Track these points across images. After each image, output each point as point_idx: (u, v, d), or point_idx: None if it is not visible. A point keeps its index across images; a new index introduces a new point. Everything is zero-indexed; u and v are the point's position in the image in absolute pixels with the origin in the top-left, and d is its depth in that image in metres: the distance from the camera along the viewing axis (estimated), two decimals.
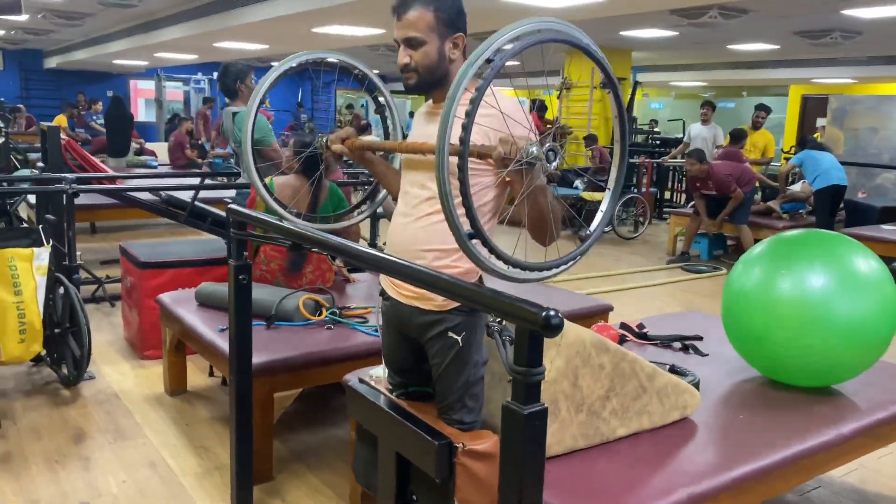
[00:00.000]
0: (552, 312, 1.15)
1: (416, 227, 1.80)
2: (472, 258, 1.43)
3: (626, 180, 8.82)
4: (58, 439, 3.03)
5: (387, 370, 2.03)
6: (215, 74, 17.12)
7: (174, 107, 17.49)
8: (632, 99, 12.42)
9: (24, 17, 9.98)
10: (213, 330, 3.01)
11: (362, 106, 19.91)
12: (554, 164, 1.43)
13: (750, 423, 2.23)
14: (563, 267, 1.52)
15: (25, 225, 5.29)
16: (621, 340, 2.98)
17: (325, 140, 2.02)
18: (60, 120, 11.24)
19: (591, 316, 3.60)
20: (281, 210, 2.13)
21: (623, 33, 9.31)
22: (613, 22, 7.81)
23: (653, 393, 2.09)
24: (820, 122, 15.07)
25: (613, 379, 1.99)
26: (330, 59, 2.09)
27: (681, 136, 11.70)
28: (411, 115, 17.32)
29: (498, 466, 1.81)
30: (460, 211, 1.38)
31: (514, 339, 1.22)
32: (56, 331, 3.51)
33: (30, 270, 3.24)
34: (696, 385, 2.42)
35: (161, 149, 12.18)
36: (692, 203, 7.47)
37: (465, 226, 1.41)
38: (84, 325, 3.40)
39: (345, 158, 2.10)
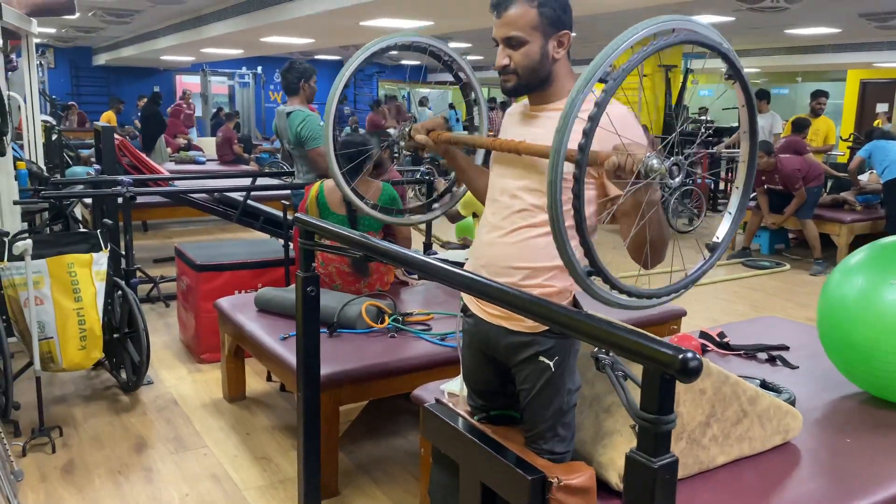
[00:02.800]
0: (690, 355, 1.01)
1: (505, 241, 1.66)
2: (590, 294, 1.28)
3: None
4: (120, 449, 2.98)
5: (466, 390, 1.91)
6: (259, 69, 17.26)
7: (219, 101, 17.61)
8: (682, 87, 12.08)
9: (75, 15, 10.09)
10: (273, 338, 2.92)
11: (404, 97, 19.83)
12: (677, 179, 1.28)
13: (859, 449, 2.05)
14: (682, 291, 1.38)
15: (82, 227, 5.30)
16: (703, 351, 2.82)
17: (407, 130, 1.89)
18: (109, 116, 11.37)
19: (664, 322, 3.43)
20: (361, 203, 2.00)
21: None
22: (670, 9, 7.54)
23: (754, 417, 1.93)
24: (880, 107, 14.48)
25: (714, 404, 1.83)
26: (419, 42, 1.95)
27: (735, 125, 11.31)
28: (451, 106, 17.05)
29: (593, 502, 1.69)
30: (574, 242, 1.23)
31: (642, 382, 1.08)
32: (115, 336, 3.48)
33: (89, 276, 3.20)
34: (793, 403, 2.25)
35: (207, 144, 12.26)
36: (753, 195, 7.18)
37: (578, 254, 1.26)
38: (143, 331, 3.35)
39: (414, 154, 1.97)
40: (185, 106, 13.33)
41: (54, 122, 9.12)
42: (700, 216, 8.65)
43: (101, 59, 15.86)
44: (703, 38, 1.25)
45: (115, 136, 4.89)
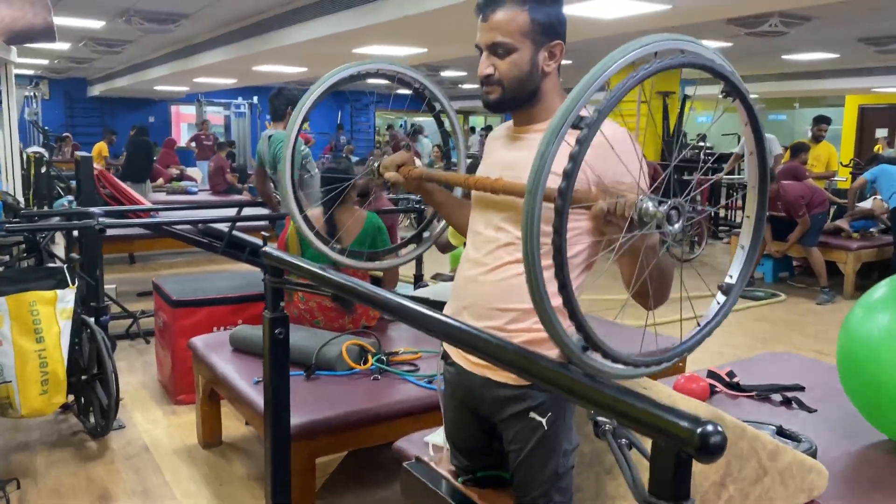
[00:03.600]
0: (711, 428, 0.80)
1: (490, 279, 1.46)
2: (585, 369, 1.08)
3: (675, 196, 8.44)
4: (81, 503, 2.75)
5: (450, 448, 1.69)
6: (255, 98, 17.20)
7: (216, 131, 17.52)
8: (681, 113, 11.97)
9: (66, 46, 10.00)
10: (247, 381, 2.70)
11: (401, 126, 19.75)
12: (676, 226, 1.08)
13: None
14: (693, 347, 1.17)
15: (53, 263, 5.10)
16: (711, 392, 2.60)
17: (376, 165, 1.70)
18: (101, 147, 11.22)
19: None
20: (321, 245, 1.81)
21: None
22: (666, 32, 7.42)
23: (775, 474, 1.71)
24: (880, 132, 14.37)
25: (730, 461, 1.61)
26: (385, 69, 1.77)
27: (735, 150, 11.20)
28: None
29: None
30: (556, 301, 1.02)
31: (652, 459, 0.87)
32: (83, 377, 3.25)
33: (53, 314, 2.99)
34: (814, 454, 2.03)
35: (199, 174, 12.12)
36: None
37: (569, 327, 1.05)
38: (111, 373, 3.13)
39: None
40: (203, 137, 13.20)
41: (45, 154, 8.98)
42: (701, 244, 8.46)
43: (95, 90, 15.78)
44: (712, 65, 1.06)
45: (95, 166, 4.71)
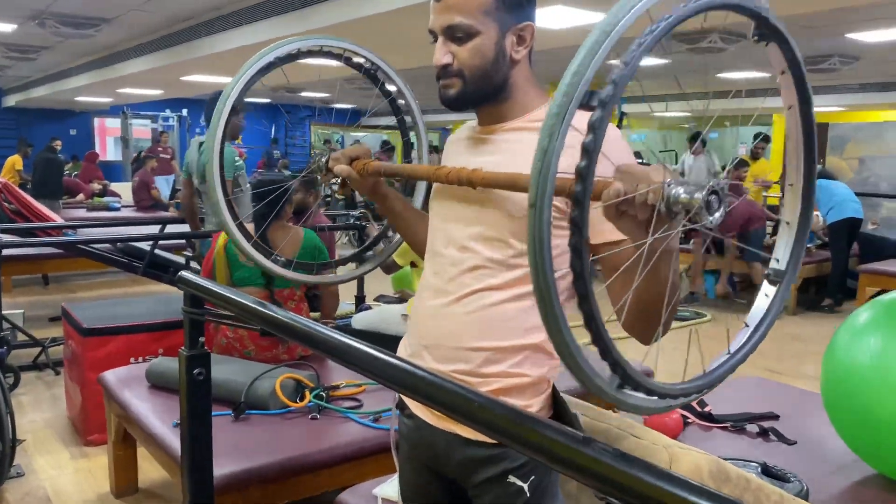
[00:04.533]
0: None
1: (455, 312, 1.19)
2: (621, 407, 0.83)
3: None
4: None
5: None
6: (185, 111, 16.57)
7: (142, 145, 16.77)
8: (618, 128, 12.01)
9: None
10: (166, 422, 2.36)
11: (338, 141, 19.35)
12: (717, 215, 0.84)
13: None
14: (734, 367, 0.94)
15: None
16: (684, 424, 2.39)
17: (324, 160, 1.42)
18: (14, 160, 10.52)
19: None
20: (261, 258, 1.52)
21: (613, 62, 8.87)
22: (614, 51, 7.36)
23: None
24: None
25: None
26: (331, 46, 1.50)
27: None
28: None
29: None
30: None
31: None
32: None
33: None
34: (806, 496, 1.84)
35: (127, 189, 11.50)
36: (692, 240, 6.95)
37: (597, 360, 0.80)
38: (6, 414, 2.73)
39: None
40: (161, 150, 12.39)
41: None
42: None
43: (10, 101, 14.89)
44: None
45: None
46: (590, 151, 0.72)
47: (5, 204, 4.32)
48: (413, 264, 3.65)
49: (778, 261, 0.98)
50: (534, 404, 1.16)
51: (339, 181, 1.41)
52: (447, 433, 1.20)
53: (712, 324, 6.05)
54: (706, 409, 2.47)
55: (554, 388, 1.19)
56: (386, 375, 1.08)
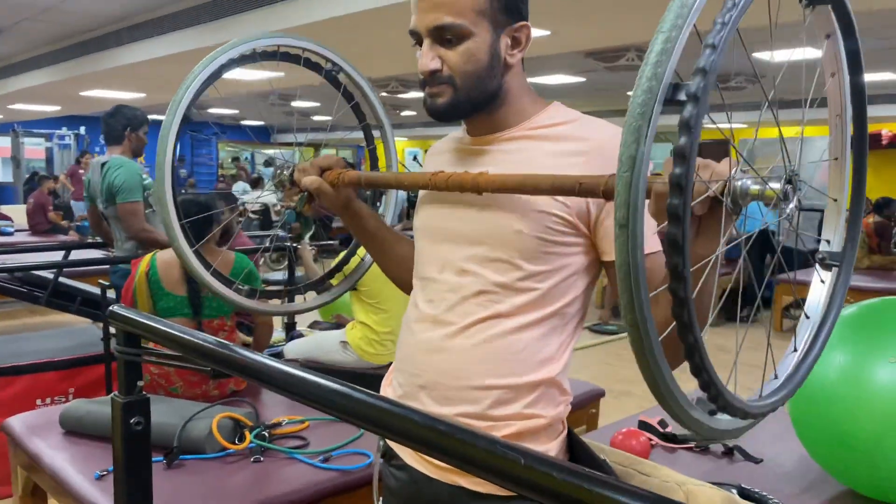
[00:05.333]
0: None
1: (460, 345, 1.04)
2: (712, 436, 0.72)
3: None
4: None
5: None
6: (83, 129, 15.71)
7: (35, 165, 15.77)
8: None
9: None
10: (86, 474, 2.09)
11: (246, 159, 18.79)
12: (792, 205, 0.74)
13: None
14: (808, 372, 0.85)
15: None
16: (650, 447, 2.32)
17: (287, 173, 1.25)
18: None
19: (584, 405, 2.93)
20: (222, 289, 1.34)
21: (529, 80, 8.96)
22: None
23: None
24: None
25: None
26: (289, 45, 1.35)
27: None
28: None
29: None
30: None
31: None
32: None
33: None
34: None
35: (19, 212, 10.73)
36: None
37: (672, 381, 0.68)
38: None
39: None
40: (83, 172, 11.50)
41: None
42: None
43: None
44: None
45: None
46: (685, 156, 0.60)
47: None
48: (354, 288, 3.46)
49: (829, 242, 0.90)
50: (551, 448, 1.03)
51: (303, 197, 1.25)
52: (449, 485, 1.05)
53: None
54: (667, 429, 2.41)
55: (570, 429, 1.06)
56: (387, 426, 0.92)
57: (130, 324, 1.44)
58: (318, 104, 12.29)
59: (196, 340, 1.27)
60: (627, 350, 0.79)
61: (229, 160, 19.21)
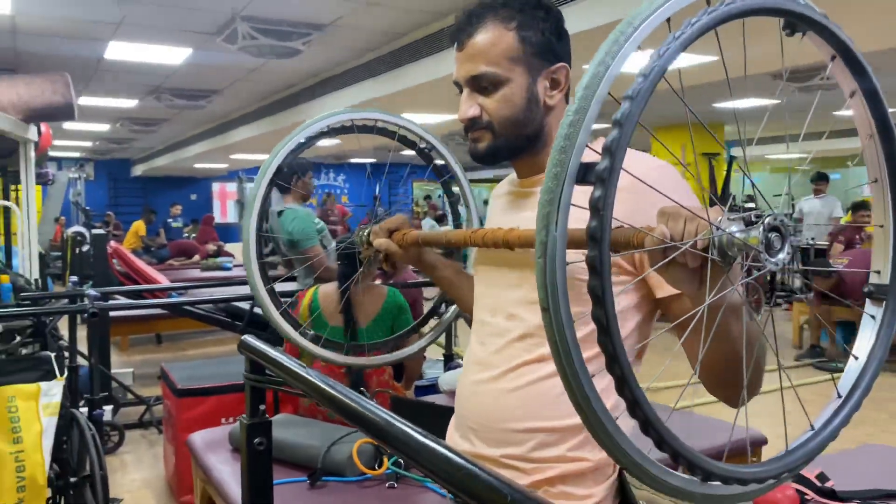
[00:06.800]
0: None
1: (501, 388, 1.07)
2: (664, 492, 0.70)
3: None
4: None
5: None
6: None
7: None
8: (727, 176, 11.56)
9: (105, 127, 10.13)
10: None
11: (439, 197, 19.64)
12: (781, 256, 0.70)
13: None
14: (810, 459, 0.78)
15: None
16: (801, 502, 2.12)
17: (365, 234, 1.36)
18: (138, 226, 11.25)
19: (740, 454, 2.72)
20: (289, 330, 1.48)
21: (717, 105, 8.57)
22: (706, 92, 7.11)
23: None
24: None
25: None
26: (386, 122, 1.46)
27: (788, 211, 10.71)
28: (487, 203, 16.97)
29: None
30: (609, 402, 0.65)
31: None
32: (72, 480, 2.90)
33: (35, 410, 2.67)
34: None
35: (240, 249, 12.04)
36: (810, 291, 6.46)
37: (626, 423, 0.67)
38: (99, 476, 2.78)
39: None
40: (330, 212, 12.71)
41: (86, 234, 8.96)
42: (759, 311, 7.87)
43: (138, 170, 16.07)
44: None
45: (110, 244, 4.50)
46: (597, 239, 0.61)
47: (116, 267, 4.55)
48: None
49: (879, 273, 0.81)
50: (596, 493, 1.01)
51: (382, 255, 1.35)
52: None
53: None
54: (828, 483, 2.19)
55: (622, 474, 1.03)
56: (439, 471, 0.95)
57: (255, 353, 1.61)
58: None
59: (305, 375, 1.39)
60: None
61: (423, 198, 20.20)
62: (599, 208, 0.60)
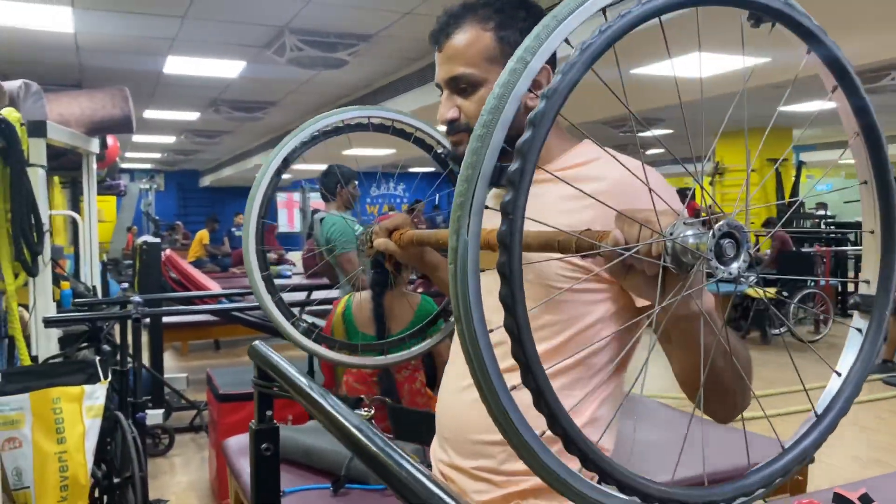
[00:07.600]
0: None
1: (473, 398, 1.03)
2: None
3: (803, 271, 7.53)
4: None
5: None
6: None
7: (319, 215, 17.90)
8: (796, 182, 11.15)
9: (171, 139, 10.50)
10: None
11: None
12: (735, 265, 0.66)
13: None
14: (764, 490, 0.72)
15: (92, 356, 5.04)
16: None
17: (368, 234, 1.36)
18: (202, 235, 11.59)
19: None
20: (301, 337, 1.48)
21: (783, 109, 8.26)
22: (770, 96, 6.87)
23: None
24: None
25: None
26: (405, 122, 1.45)
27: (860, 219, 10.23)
28: None
29: None
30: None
31: None
32: (116, 480, 2.99)
33: (78, 412, 2.76)
34: None
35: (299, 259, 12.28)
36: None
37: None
38: (139, 477, 2.85)
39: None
40: (417, 221, 13.11)
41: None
42: (827, 322, 7.55)
43: (206, 181, 16.59)
44: None
45: (164, 252, 4.64)
46: (506, 244, 0.58)
47: (169, 274, 4.69)
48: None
49: (868, 282, 0.75)
50: None
51: (380, 255, 1.34)
52: None
53: None
54: None
55: None
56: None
57: (262, 360, 1.62)
58: None
59: (299, 385, 1.40)
60: None
61: None
62: (509, 212, 0.58)
